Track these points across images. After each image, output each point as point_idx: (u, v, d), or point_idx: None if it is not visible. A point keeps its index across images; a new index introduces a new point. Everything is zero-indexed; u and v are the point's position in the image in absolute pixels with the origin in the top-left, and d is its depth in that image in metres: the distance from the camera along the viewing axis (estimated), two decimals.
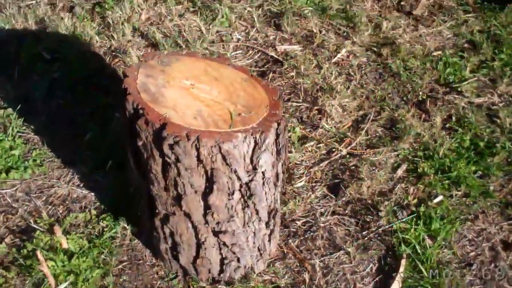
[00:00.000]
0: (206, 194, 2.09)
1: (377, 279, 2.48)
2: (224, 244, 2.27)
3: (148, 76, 2.18)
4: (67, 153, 2.84)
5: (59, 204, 2.66)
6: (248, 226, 2.28)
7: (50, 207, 2.65)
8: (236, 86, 2.22)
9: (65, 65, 3.21)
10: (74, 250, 2.46)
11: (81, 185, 2.74)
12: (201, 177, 2.05)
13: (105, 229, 2.56)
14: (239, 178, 2.07)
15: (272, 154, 2.13)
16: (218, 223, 2.18)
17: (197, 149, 1.95)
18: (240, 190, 2.12)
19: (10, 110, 2.94)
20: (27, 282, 2.37)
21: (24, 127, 2.93)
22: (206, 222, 2.19)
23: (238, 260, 2.36)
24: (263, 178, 2.14)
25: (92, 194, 2.70)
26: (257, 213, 2.24)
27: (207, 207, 2.13)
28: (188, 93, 2.14)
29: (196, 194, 2.09)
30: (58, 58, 3.25)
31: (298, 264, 2.52)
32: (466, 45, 3.63)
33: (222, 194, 2.09)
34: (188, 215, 2.16)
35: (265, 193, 2.20)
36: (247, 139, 2.00)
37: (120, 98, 2.12)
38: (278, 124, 2.09)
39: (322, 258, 2.54)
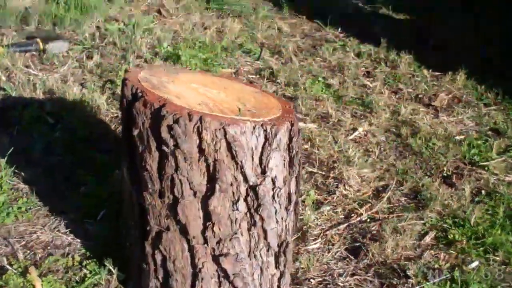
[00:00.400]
0: (207, 198, 1.79)
1: None
2: (225, 273, 1.90)
3: (151, 75, 2.00)
4: (57, 203, 2.56)
5: (40, 248, 2.32)
6: (255, 256, 1.93)
7: (28, 251, 2.31)
8: (246, 94, 2.04)
9: (68, 128, 3.04)
10: None
11: (68, 232, 2.42)
12: (202, 174, 1.77)
13: (88, 276, 2.20)
14: (245, 178, 1.79)
15: (284, 161, 1.86)
16: (219, 241, 1.85)
17: (199, 133, 1.71)
18: (246, 198, 1.83)
19: (2, 160, 2.71)
20: None
21: (14, 177, 2.68)
22: (205, 240, 1.85)
23: None
24: (273, 188, 1.85)
25: (78, 241, 2.37)
26: (265, 236, 1.91)
27: (207, 218, 1.82)
28: (194, 90, 1.94)
29: (195, 198, 1.80)
30: (61, 122, 3.09)
31: None
32: (489, 132, 3.45)
33: (225, 199, 1.80)
34: (184, 230, 1.84)
35: (275, 211, 1.89)
36: (256, 130, 1.76)
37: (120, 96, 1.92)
38: (292, 125, 1.86)
39: None
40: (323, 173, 2.92)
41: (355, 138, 3.24)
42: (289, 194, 1.96)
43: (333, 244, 2.48)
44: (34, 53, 3.92)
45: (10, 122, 3.06)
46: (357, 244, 2.49)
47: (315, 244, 2.48)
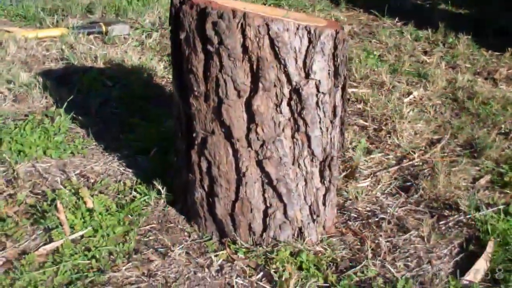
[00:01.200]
0: (250, 98, 1.82)
1: (457, 258, 1.98)
2: (268, 178, 1.91)
3: None
4: (111, 143, 2.64)
5: (93, 176, 2.40)
6: (299, 165, 1.93)
7: (82, 178, 2.39)
8: (294, 13, 2.06)
9: (125, 87, 3.15)
10: (99, 210, 2.14)
11: (120, 164, 2.49)
12: (246, 74, 1.81)
13: (137, 197, 2.25)
14: (288, 79, 1.81)
15: (328, 69, 1.87)
16: (262, 144, 1.87)
17: (243, 30, 1.75)
18: (289, 103, 1.84)
19: (61, 110, 2.83)
20: (39, 227, 2.04)
21: (73, 123, 2.79)
22: (249, 144, 1.88)
23: (285, 210, 1.97)
24: (317, 93, 1.86)
25: (130, 170, 2.44)
26: (309, 142, 1.91)
27: (250, 119, 1.84)
28: (240, 4, 1.99)
29: (239, 99, 1.83)
30: (118, 83, 3.21)
31: (359, 243, 2.07)
32: None
33: (269, 99, 1.82)
34: (228, 134, 1.87)
35: (319, 118, 1.90)
36: (299, 31, 1.79)
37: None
38: (337, 33, 1.87)
39: (389, 239, 2.09)
40: (375, 126, 2.89)
41: (410, 101, 3.20)
42: (334, 107, 1.96)
43: (383, 184, 2.44)
44: (97, 35, 4.10)
45: (71, 84, 3.19)
46: (408, 183, 2.44)
47: (364, 182, 2.45)
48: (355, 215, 2.22)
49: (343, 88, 2.00)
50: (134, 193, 2.28)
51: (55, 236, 1.99)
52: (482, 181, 2.48)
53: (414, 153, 2.65)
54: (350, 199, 2.31)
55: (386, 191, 2.39)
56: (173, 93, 2.09)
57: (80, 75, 3.29)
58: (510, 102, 3.16)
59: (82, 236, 2.01)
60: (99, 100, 3.02)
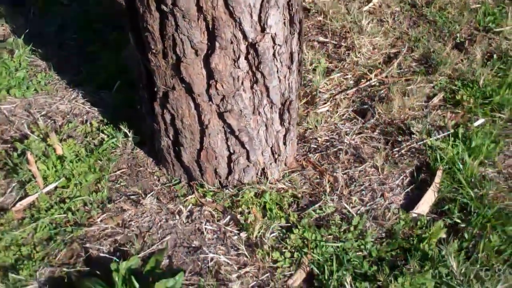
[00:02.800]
0: (208, 55, 1.85)
1: (408, 189, 2.15)
2: (231, 129, 1.99)
3: None
4: (74, 77, 2.66)
5: (60, 118, 2.45)
6: (259, 113, 2.01)
7: (49, 120, 2.44)
8: None
9: (80, 8, 3.09)
10: (69, 158, 2.22)
11: (85, 102, 2.53)
12: (202, 33, 1.81)
13: (106, 139, 2.33)
14: (244, 36, 1.83)
15: (284, 19, 1.89)
16: (222, 98, 1.93)
17: None
18: (247, 56, 1.87)
19: (20, 40, 2.79)
20: (13, 183, 2.13)
21: (32, 54, 2.77)
22: (210, 98, 1.93)
23: (248, 155, 2.07)
24: (273, 46, 1.89)
25: (95, 109, 2.49)
26: (268, 93, 1.97)
27: (209, 75, 1.88)
28: None
29: (197, 57, 1.85)
30: (74, 3, 3.14)
31: (318, 176, 2.21)
32: (507, 1, 3.36)
33: (226, 56, 1.85)
34: (189, 88, 1.92)
35: (277, 69, 1.95)
36: None
37: None
38: None
39: (346, 171, 2.23)
40: (335, 42, 2.94)
41: (369, 9, 3.21)
42: (291, 54, 2.00)
43: (341, 108, 2.54)
44: None
45: (26, 3, 3.12)
46: (365, 106, 2.55)
47: (324, 107, 2.55)
48: (315, 146, 2.34)
49: (299, 33, 2.03)
50: (102, 134, 2.35)
51: (30, 190, 2.09)
52: (435, 100, 2.59)
53: (372, 72, 2.72)
54: (310, 128, 2.42)
55: (344, 117, 2.49)
56: (130, 42, 2.09)
57: None
58: (467, 8, 3.19)
59: (56, 187, 2.11)
60: (57, 25, 2.97)
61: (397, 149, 2.32)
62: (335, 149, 2.32)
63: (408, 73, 2.74)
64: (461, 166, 2.17)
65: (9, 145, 2.29)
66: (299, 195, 2.12)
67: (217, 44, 1.82)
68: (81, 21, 3.00)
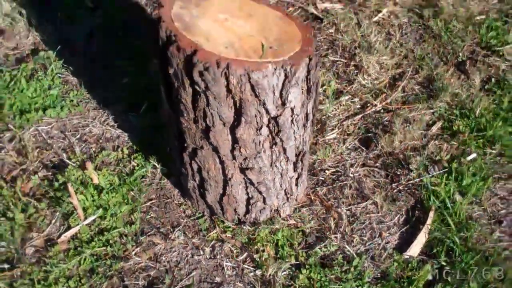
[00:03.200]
0: (234, 126, 2.09)
1: (403, 229, 2.45)
2: (251, 182, 2.27)
3: (182, 8, 2.19)
4: (103, 95, 2.89)
5: (93, 142, 2.70)
6: (275, 166, 2.27)
7: (83, 144, 2.69)
8: (270, 22, 2.21)
9: (106, 13, 3.26)
10: (104, 186, 2.50)
11: (115, 125, 2.78)
12: (230, 108, 2.05)
13: (136, 168, 2.60)
14: (267, 112, 2.06)
15: (302, 91, 2.11)
16: (245, 158, 2.19)
17: (227, 77, 1.95)
18: (268, 125, 2.12)
19: (50, 52, 2.99)
20: (57, 213, 2.42)
21: (63, 69, 2.98)
22: (234, 158, 2.19)
23: (264, 200, 2.36)
24: (291, 115, 2.13)
25: (126, 134, 2.74)
26: (285, 152, 2.23)
27: (234, 141, 2.13)
28: (221, 25, 2.14)
29: (225, 127, 2.10)
30: (100, 7, 3.30)
31: (324, 212, 2.51)
32: (511, 11, 3.53)
33: (250, 128, 2.09)
34: (216, 149, 2.17)
35: (294, 131, 2.19)
36: (277, 71, 1.99)
37: (154, 26, 2.13)
38: (310, 60, 2.08)
39: (349, 207, 2.52)
40: (345, 60, 3.14)
41: (379, 20, 3.38)
42: (307, 114, 2.24)
43: (348, 135, 2.80)
44: None
45: (53, 7, 3.28)
46: (370, 134, 2.80)
47: (332, 134, 2.81)
48: (323, 179, 2.63)
49: (315, 97, 2.27)
50: (132, 162, 2.61)
51: (72, 222, 2.38)
52: (434, 129, 2.84)
53: (378, 96, 2.96)
54: (319, 159, 2.69)
55: (350, 146, 2.76)
56: (162, 97, 2.32)
57: None
58: (471, 20, 3.36)
59: (94, 219, 2.41)
60: (84, 33, 3.15)
61: (395, 184, 2.60)
62: (340, 183, 2.60)
63: (411, 97, 2.97)
64: (450, 206, 2.46)
65: (50, 173, 2.56)
66: (307, 231, 2.42)
67: (242, 119, 2.06)
68: (107, 28, 3.17)
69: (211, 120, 2.08)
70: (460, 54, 3.20)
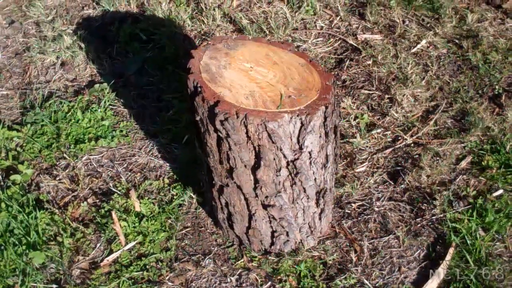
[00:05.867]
0: (255, 168, 2.27)
1: (422, 264, 2.55)
2: (273, 217, 2.44)
3: (212, 58, 2.39)
4: (150, 126, 3.14)
5: (138, 171, 2.96)
6: (297, 203, 2.43)
7: (129, 173, 2.95)
8: (293, 70, 2.38)
9: (158, 46, 3.51)
10: (145, 214, 2.74)
11: (159, 155, 3.02)
12: (250, 152, 2.23)
13: (175, 197, 2.82)
14: (284, 156, 2.23)
15: (320, 136, 2.26)
16: (266, 197, 2.36)
17: (245, 126, 2.13)
18: (287, 167, 2.28)
19: (105, 84, 3.28)
20: (101, 238, 2.68)
21: (115, 101, 3.26)
22: (256, 196, 2.38)
23: (287, 234, 2.53)
24: (309, 158, 2.29)
25: (167, 164, 2.97)
26: (305, 191, 2.39)
27: (256, 181, 2.32)
28: (245, 74, 2.32)
29: (246, 168, 2.28)
30: (152, 39, 3.56)
31: (348, 244, 2.64)
32: None
33: (269, 170, 2.27)
34: (239, 188, 2.36)
35: (313, 172, 2.35)
36: (293, 120, 2.16)
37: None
38: (326, 107, 2.23)
39: (372, 241, 2.64)
40: (380, 93, 3.25)
41: (417, 51, 3.46)
42: (327, 156, 2.39)
43: (377, 168, 2.92)
44: None
45: (111, 39, 3.56)
46: (398, 168, 2.91)
47: (361, 167, 2.93)
48: (349, 212, 2.76)
49: (335, 139, 2.41)
50: (171, 192, 2.85)
51: (114, 247, 2.64)
52: (463, 163, 2.91)
53: (410, 129, 3.05)
54: (347, 192, 2.83)
55: (378, 180, 2.88)
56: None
57: (116, 26, 3.63)
58: (511, 50, 3.39)
59: (134, 245, 2.65)
60: (136, 66, 3.42)
61: (420, 218, 2.70)
62: (366, 217, 2.73)
63: (443, 130, 3.05)
64: (470, 242, 2.54)
65: (98, 200, 2.83)
66: (330, 263, 2.57)
67: (262, 163, 2.24)
68: (157, 62, 3.43)
69: (234, 162, 2.27)
70: (497, 87, 3.23)
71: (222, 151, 2.27)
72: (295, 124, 2.17)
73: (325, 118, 2.24)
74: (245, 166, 2.28)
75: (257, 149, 2.21)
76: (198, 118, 2.28)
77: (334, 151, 2.46)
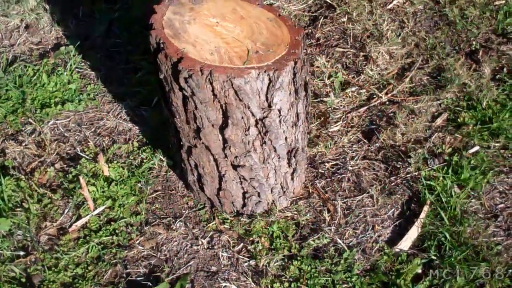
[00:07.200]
0: (223, 128, 2.20)
1: (397, 223, 2.51)
2: (244, 178, 2.38)
3: (175, 13, 2.29)
4: (118, 89, 3.04)
5: (106, 135, 2.87)
6: (268, 163, 2.37)
7: (97, 137, 2.87)
8: (261, 24, 2.28)
9: (126, 6, 3.40)
10: (114, 178, 2.67)
11: (128, 118, 2.93)
12: (217, 111, 2.15)
13: (144, 161, 2.75)
14: (253, 114, 2.16)
15: (290, 93, 2.19)
16: (236, 157, 2.30)
17: (211, 83, 2.05)
18: (256, 126, 2.21)
19: (71, 47, 3.16)
20: (69, 204, 2.60)
21: (82, 63, 3.15)
22: (225, 156, 2.31)
23: (259, 195, 2.47)
24: (279, 116, 2.21)
25: (137, 127, 2.89)
26: (275, 150, 2.32)
27: (224, 141, 2.24)
28: (210, 30, 2.23)
29: (214, 128, 2.21)
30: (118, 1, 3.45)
31: (321, 204, 2.59)
32: None
33: (238, 129, 2.19)
34: (208, 148, 2.29)
35: (283, 131, 2.28)
36: (260, 76, 2.08)
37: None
38: (295, 63, 2.15)
39: (346, 200, 2.59)
40: (355, 51, 3.17)
41: (393, 7, 3.38)
42: (297, 114, 2.33)
43: (351, 127, 2.86)
44: None
45: (74, 1, 3.44)
46: (373, 126, 2.85)
47: (335, 126, 2.87)
48: (322, 171, 2.71)
49: (305, 96, 2.34)
50: (141, 155, 2.77)
51: (82, 212, 2.57)
52: (439, 121, 2.86)
53: (385, 87, 2.99)
54: (320, 152, 2.77)
55: (352, 139, 2.82)
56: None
57: None
58: (490, 8, 3.31)
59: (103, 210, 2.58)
60: (103, 28, 3.31)
61: (394, 177, 2.65)
62: (339, 176, 2.67)
63: (419, 88, 2.99)
64: (445, 200, 2.50)
65: (65, 165, 2.75)
66: (303, 223, 2.52)
67: (229, 122, 2.17)
68: (124, 23, 3.31)
69: (200, 122, 2.19)
70: (474, 42, 3.17)
71: (188, 111, 2.19)
72: (263, 80, 2.09)
73: (294, 74, 2.17)
74: (213, 125, 2.20)
75: (224, 107, 2.13)
76: (162, 76, 2.19)
77: (305, 109, 2.39)
